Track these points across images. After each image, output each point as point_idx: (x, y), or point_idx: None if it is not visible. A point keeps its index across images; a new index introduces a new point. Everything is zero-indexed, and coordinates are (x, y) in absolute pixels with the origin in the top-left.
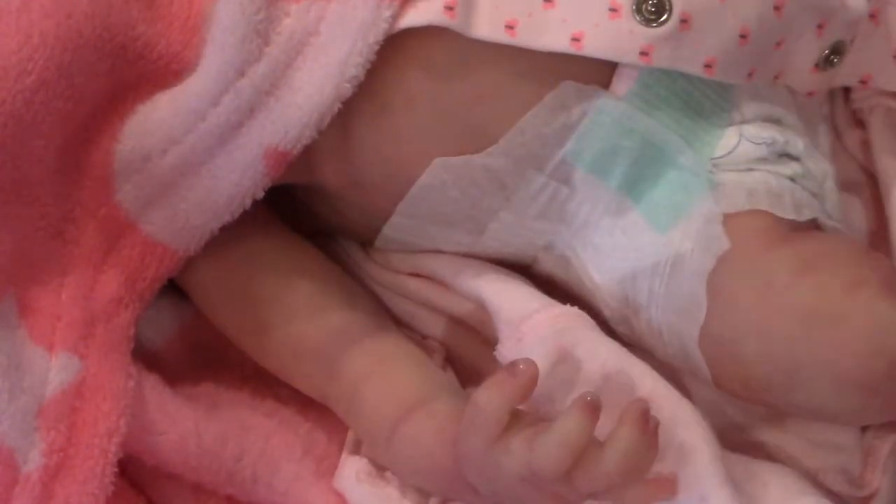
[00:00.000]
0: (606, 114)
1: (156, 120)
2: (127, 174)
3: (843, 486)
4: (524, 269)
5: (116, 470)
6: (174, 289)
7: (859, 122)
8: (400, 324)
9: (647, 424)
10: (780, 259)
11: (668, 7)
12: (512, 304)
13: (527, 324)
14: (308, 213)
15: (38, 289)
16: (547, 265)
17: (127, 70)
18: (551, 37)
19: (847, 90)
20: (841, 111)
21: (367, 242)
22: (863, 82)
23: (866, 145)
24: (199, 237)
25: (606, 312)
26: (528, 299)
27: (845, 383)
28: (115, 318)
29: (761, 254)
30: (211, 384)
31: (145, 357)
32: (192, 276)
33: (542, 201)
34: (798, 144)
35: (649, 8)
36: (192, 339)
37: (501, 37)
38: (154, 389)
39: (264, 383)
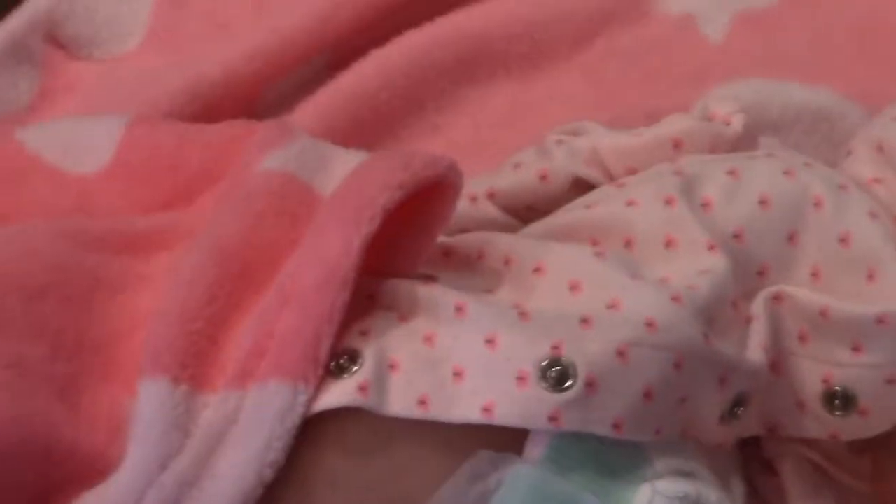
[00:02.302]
0: (522, 479)
1: None
2: None
3: None
4: None
5: None
6: None
7: (772, 470)
8: None
9: None
10: None
11: (572, 373)
12: None
13: None
14: None
15: None
16: None
17: (52, 473)
18: (463, 409)
19: (757, 439)
20: (752, 460)
21: None
22: (771, 430)
23: (781, 492)
24: None
25: None
26: None
27: None
28: None
29: None
30: None
31: None
32: None
33: None
34: (711, 497)
35: (554, 375)
36: None
37: (415, 412)
38: None
39: None
